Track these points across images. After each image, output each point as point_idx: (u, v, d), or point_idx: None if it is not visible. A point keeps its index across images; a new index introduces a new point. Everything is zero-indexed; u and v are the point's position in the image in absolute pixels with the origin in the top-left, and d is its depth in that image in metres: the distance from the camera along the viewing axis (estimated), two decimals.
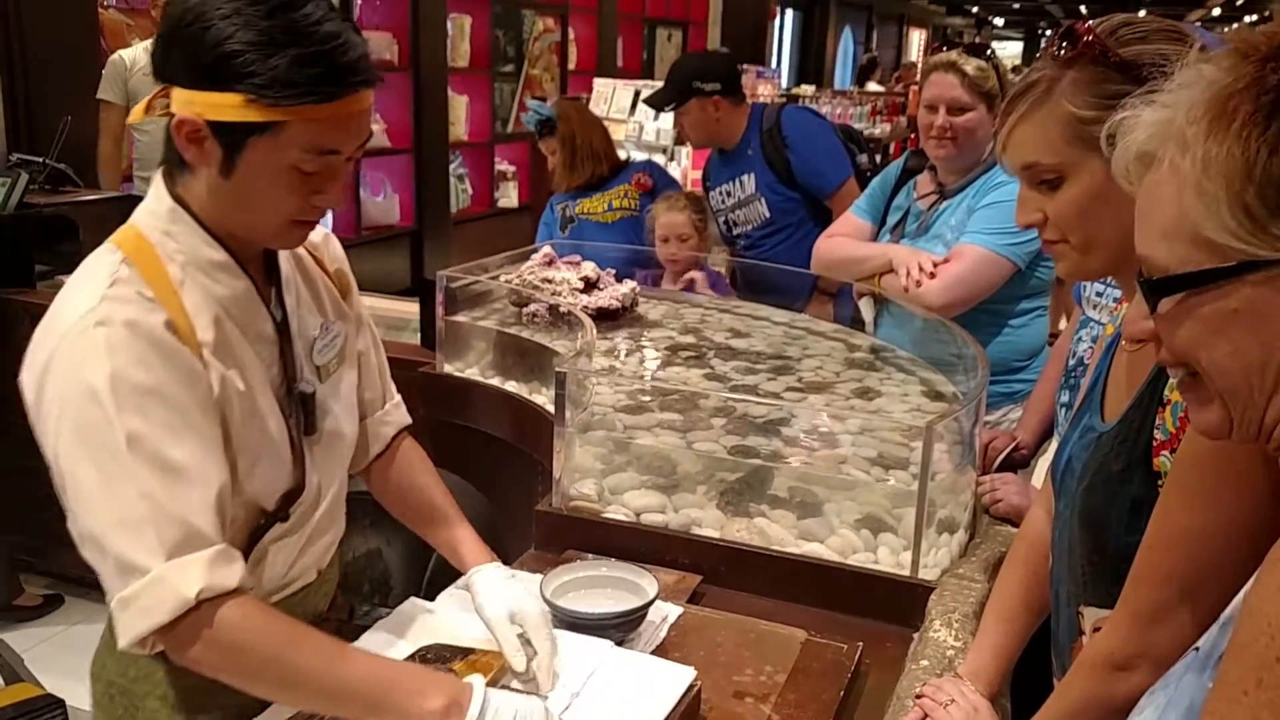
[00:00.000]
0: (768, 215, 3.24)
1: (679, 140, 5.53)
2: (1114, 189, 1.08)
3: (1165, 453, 1.04)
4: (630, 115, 5.87)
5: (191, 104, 1.09)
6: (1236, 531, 0.92)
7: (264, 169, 1.11)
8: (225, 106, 1.07)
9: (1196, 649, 0.76)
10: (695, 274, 3.11)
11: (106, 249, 1.16)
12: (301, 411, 1.27)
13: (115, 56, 4.42)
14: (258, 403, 1.21)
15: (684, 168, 5.34)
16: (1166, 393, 1.05)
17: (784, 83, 7.25)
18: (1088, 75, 1.09)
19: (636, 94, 5.54)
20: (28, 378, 1.12)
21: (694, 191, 3.31)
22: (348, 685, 1.11)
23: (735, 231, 3.35)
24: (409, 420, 1.54)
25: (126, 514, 1.06)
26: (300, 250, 1.34)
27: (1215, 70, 0.75)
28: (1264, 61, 0.73)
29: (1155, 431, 1.05)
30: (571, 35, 9.03)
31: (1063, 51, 1.10)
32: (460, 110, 7.51)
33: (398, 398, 1.54)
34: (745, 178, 3.28)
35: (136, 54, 4.40)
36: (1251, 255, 0.72)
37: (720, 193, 3.36)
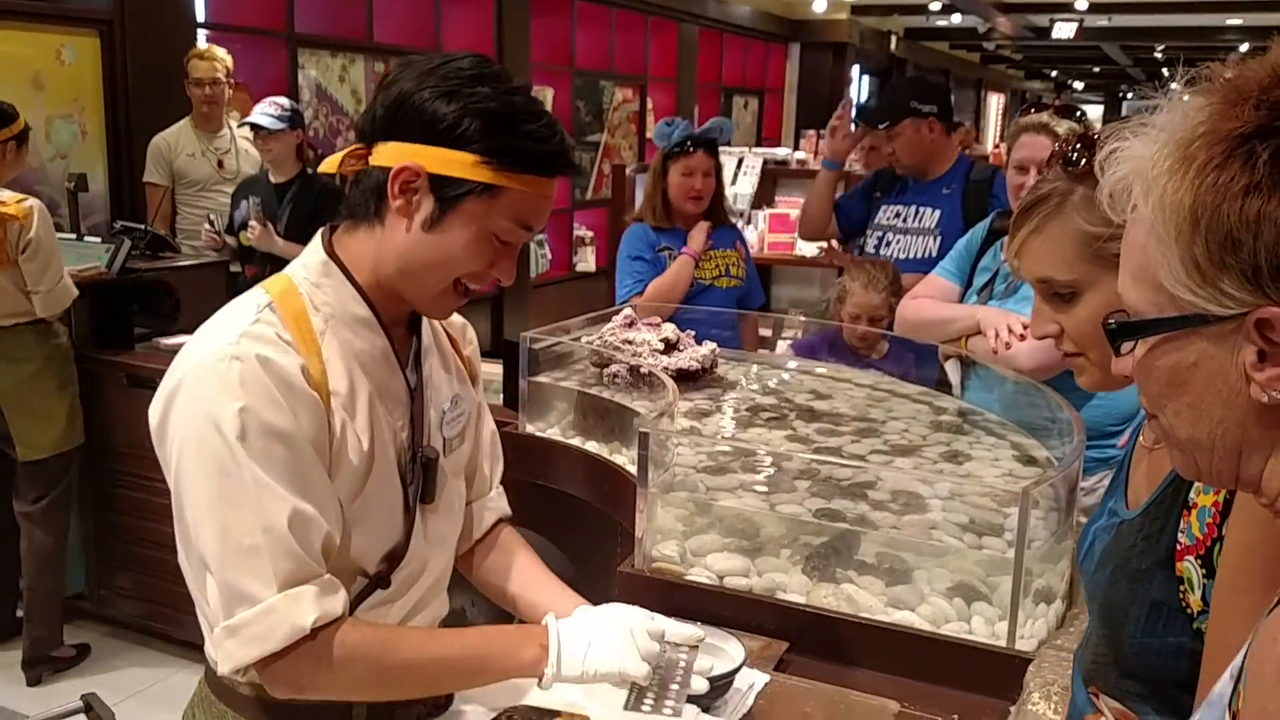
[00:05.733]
0: (935, 255, 3.09)
1: (756, 204, 5.54)
2: None
3: (1189, 558, 0.98)
4: None
5: (417, 157, 1.14)
6: None
7: (469, 228, 1.16)
8: (456, 163, 1.13)
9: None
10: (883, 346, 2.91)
11: (257, 291, 1.21)
12: (422, 477, 1.27)
13: (157, 140, 4.45)
14: (377, 461, 1.21)
15: (761, 231, 5.33)
16: (1193, 496, 0.99)
17: None
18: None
19: None
20: (155, 401, 1.16)
21: (890, 263, 3.03)
22: (448, 667, 1.21)
23: (880, 252, 3.23)
24: (509, 512, 1.54)
25: (243, 543, 1.09)
26: (439, 327, 1.37)
27: (1191, 108, 0.71)
28: (1231, 105, 0.68)
29: (1180, 535, 0.99)
30: (650, 105, 9.21)
31: (1076, 165, 1.06)
32: None
33: (500, 488, 1.54)
34: (929, 211, 3.17)
35: (178, 135, 4.45)
36: (1202, 309, 0.69)
37: (890, 210, 3.24)
